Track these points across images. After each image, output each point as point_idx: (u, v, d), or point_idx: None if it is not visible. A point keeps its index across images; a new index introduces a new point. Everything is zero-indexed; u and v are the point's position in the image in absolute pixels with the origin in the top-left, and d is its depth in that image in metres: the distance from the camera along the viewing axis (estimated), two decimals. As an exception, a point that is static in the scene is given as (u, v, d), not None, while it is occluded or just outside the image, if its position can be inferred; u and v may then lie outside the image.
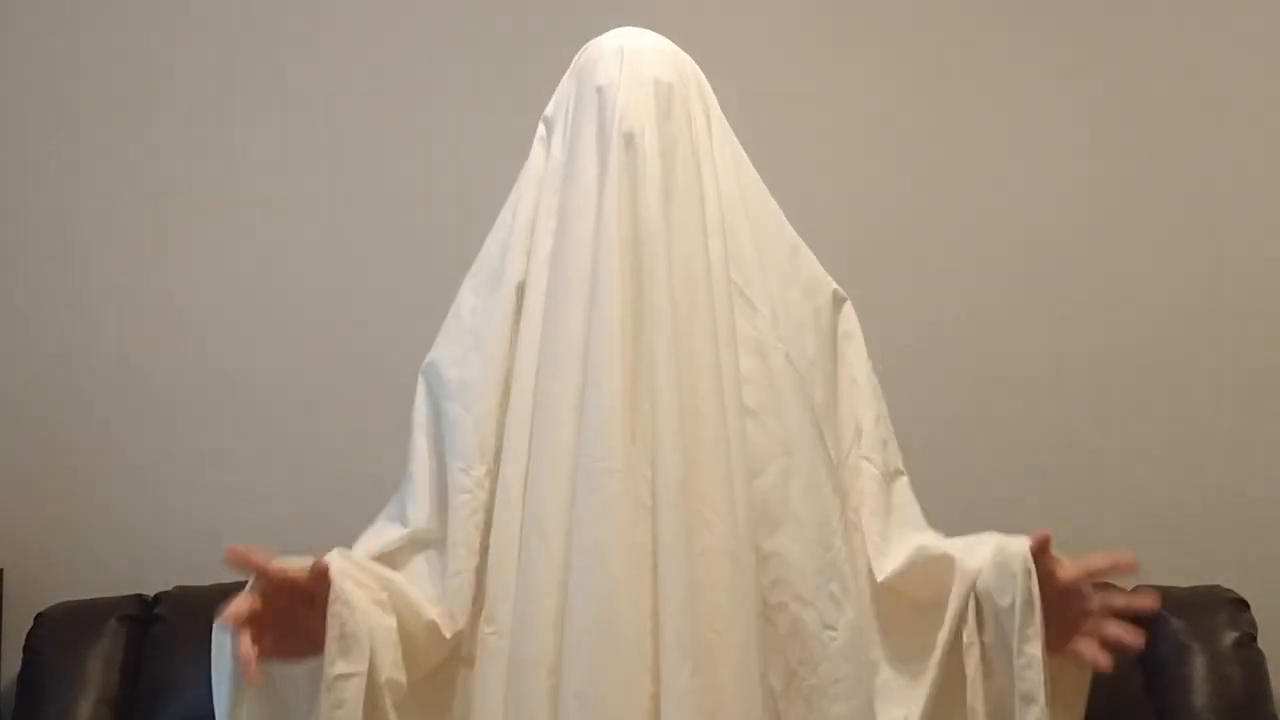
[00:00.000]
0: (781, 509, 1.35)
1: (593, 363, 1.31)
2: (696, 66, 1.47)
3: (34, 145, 2.48)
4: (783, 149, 2.41)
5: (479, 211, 1.57)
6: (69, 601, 2.27)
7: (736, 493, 1.32)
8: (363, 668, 1.25)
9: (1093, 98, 2.48)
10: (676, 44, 1.47)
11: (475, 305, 1.44)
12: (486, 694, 1.32)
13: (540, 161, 1.45)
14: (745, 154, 1.49)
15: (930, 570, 1.39)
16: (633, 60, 1.39)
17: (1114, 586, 2.21)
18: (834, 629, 1.34)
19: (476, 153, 2.44)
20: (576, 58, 1.47)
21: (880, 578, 1.40)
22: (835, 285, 1.50)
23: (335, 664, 1.23)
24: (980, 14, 2.50)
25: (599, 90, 1.39)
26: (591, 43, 1.45)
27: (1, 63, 2.49)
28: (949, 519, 2.42)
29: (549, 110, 1.47)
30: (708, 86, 1.47)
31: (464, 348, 1.42)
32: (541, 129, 1.47)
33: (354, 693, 1.24)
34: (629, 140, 1.35)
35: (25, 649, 2.21)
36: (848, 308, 1.51)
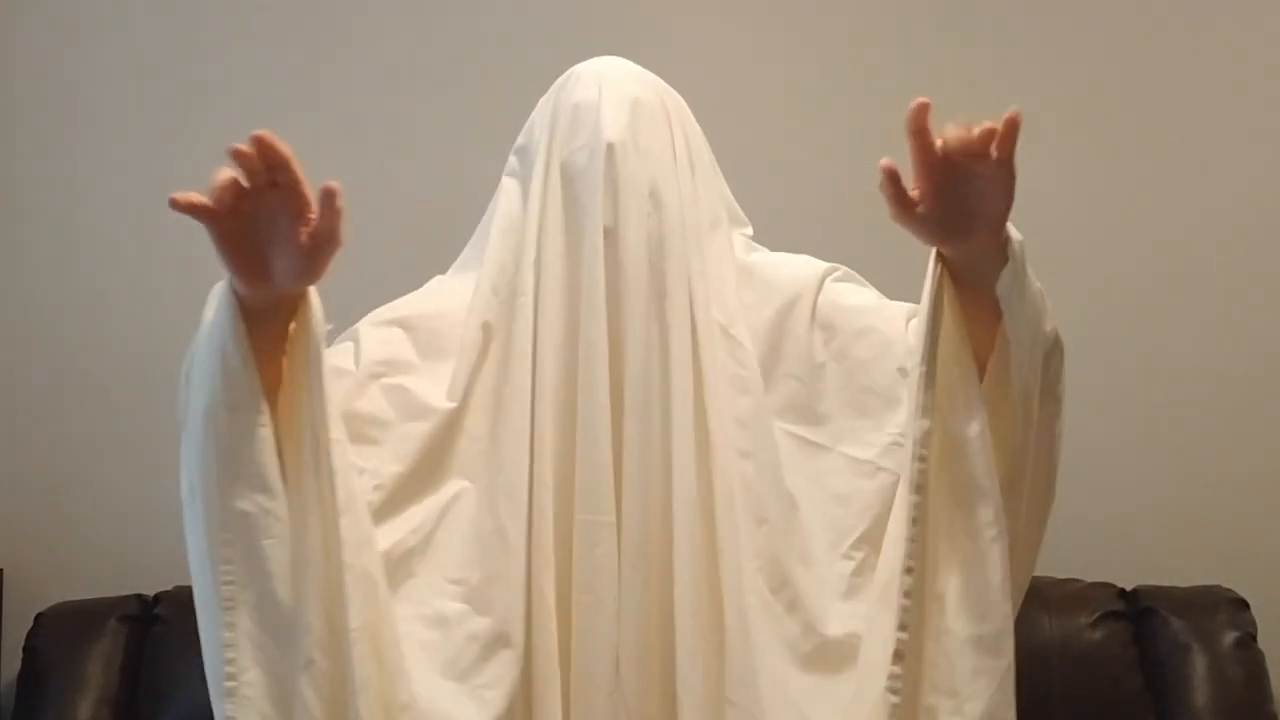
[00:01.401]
0: (789, 556, 1.30)
1: (584, 405, 1.27)
2: (678, 96, 1.43)
3: (14, 148, 2.48)
4: (779, 154, 2.42)
5: (470, 212, 1.57)
6: (69, 601, 2.27)
7: (736, 542, 1.27)
8: (340, 435, 1.19)
9: (1097, 97, 2.48)
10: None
11: (448, 307, 1.39)
12: None
13: (512, 199, 1.40)
14: (728, 188, 1.45)
15: None
16: (612, 81, 1.36)
17: (1112, 586, 2.24)
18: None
19: (469, 151, 2.43)
20: (552, 87, 1.43)
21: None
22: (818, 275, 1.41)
23: (327, 429, 1.17)
24: (985, 13, 2.50)
25: (575, 109, 1.35)
26: (568, 71, 1.42)
27: None
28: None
29: (521, 140, 1.43)
30: (688, 113, 1.43)
31: (420, 338, 1.38)
32: (513, 160, 1.43)
33: (341, 459, 1.18)
34: (610, 150, 1.31)
35: (25, 649, 2.21)
36: (827, 291, 1.40)
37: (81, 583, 2.32)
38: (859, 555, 1.29)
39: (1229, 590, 2.24)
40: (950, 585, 1.20)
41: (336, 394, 1.24)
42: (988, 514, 1.19)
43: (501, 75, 2.43)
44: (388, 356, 1.36)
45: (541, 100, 1.43)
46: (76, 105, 2.48)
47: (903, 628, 1.18)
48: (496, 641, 1.25)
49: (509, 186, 1.41)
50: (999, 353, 1.21)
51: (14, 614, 2.33)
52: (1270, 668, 2.19)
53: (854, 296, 1.40)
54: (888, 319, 1.36)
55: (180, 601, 2.25)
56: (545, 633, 1.24)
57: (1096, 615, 2.19)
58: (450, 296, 1.41)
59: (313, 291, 1.20)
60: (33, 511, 2.42)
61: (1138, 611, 2.22)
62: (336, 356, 1.33)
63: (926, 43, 2.49)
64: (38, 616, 2.24)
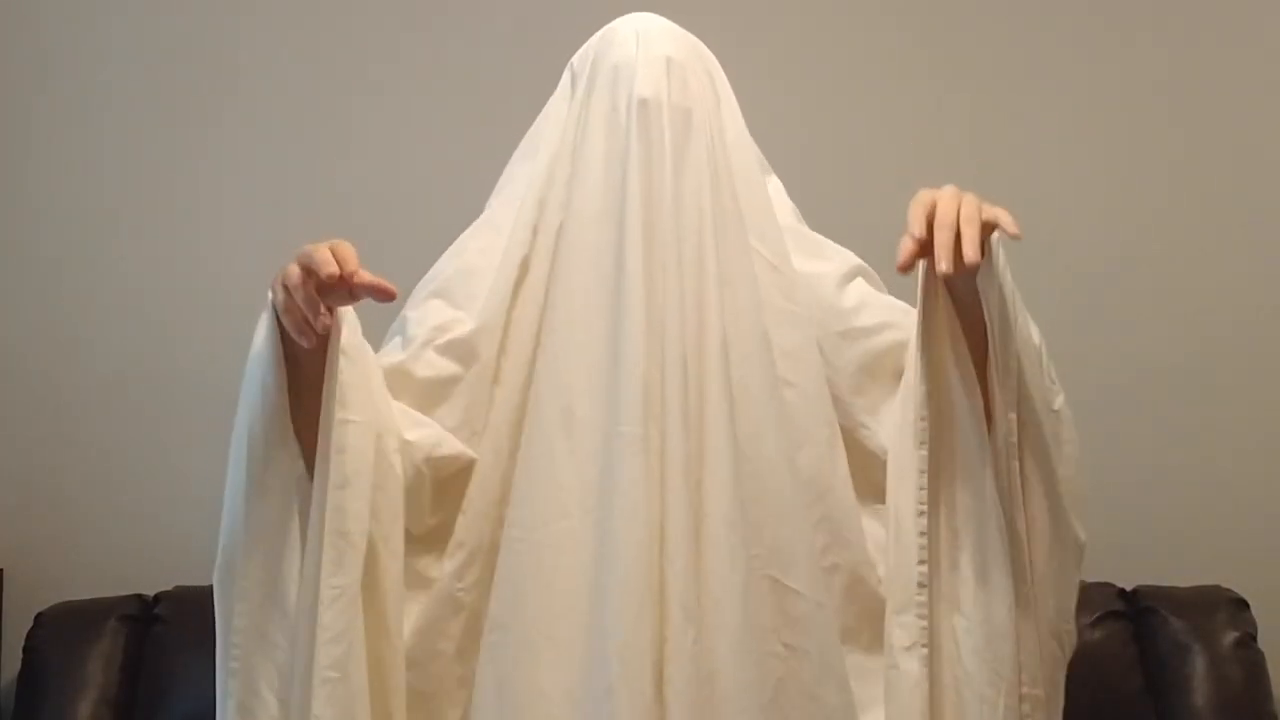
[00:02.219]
0: (830, 478, 1.41)
1: (623, 333, 1.35)
2: (709, 52, 1.52)
3: (20, 147, 2.48)
4: (788, 144, 2.42)
5: (472, 212, 1.57)
6: (69, 601, 2.27)
7: (753, 466, 1.37)
8: (363, 417, 1.30)
9: (1101, 95, 2.48)
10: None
11: (476, 265, 1.48)
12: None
13: (554, 143, 1.48)
14: (753, 139, 1.53)
15: None
16: (647, 40, 1.45)
17: (1112, 586, 2.24)
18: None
19: (470, 152, 2.43)
20: (589, 43, 1.52)
21: None
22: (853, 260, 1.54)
23: (334, 412, 1.28)
24: (990, 7, 2.50)
25: (615, 67, 1.44)
26: (606, 27, 1.51)
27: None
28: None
29: (574, 66, 1.53)
30: (720, 72, 1.52)
31: (458, 301, 1.47)
32: (565, 83, 1.52)
33: (356, 438, 1.29)
34: (644, 105, 1.40)
35: (25, 649, 2.21)
36: (861, 281, 1.53)
37: (81, 583, 2.31)
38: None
39: (1229, 590, 2.24)
40: (964, 528, 1.35)
41: (391, 388, 1.40)
42: (986, 475, 1.34)
43: (504, 77, 2.44)
44: (437, 323, 1.45)
45: (582, 50, 1.53)
46: (87, 104, 2.48)
47: (921, 561, 1.34)
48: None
49: (552, 123, 1.50)
50: (984, 343, 1.34)
51: (14, 614, 2.33)
52: (1270, 668, 2.19)
53: (885, 295, 1.53)
54: (908, 326, 1.43)
55: (180, 601, 2.25)
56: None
57: (1096, 615, 2.19)
58: (474, 254, 1.50)
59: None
60: (33, 511, 2.42)
61: (1138, 611, 2.22)
62: (387, 356, 1.44)
63: (933, 38, 2.49)
64: (38, 616, 2.23)
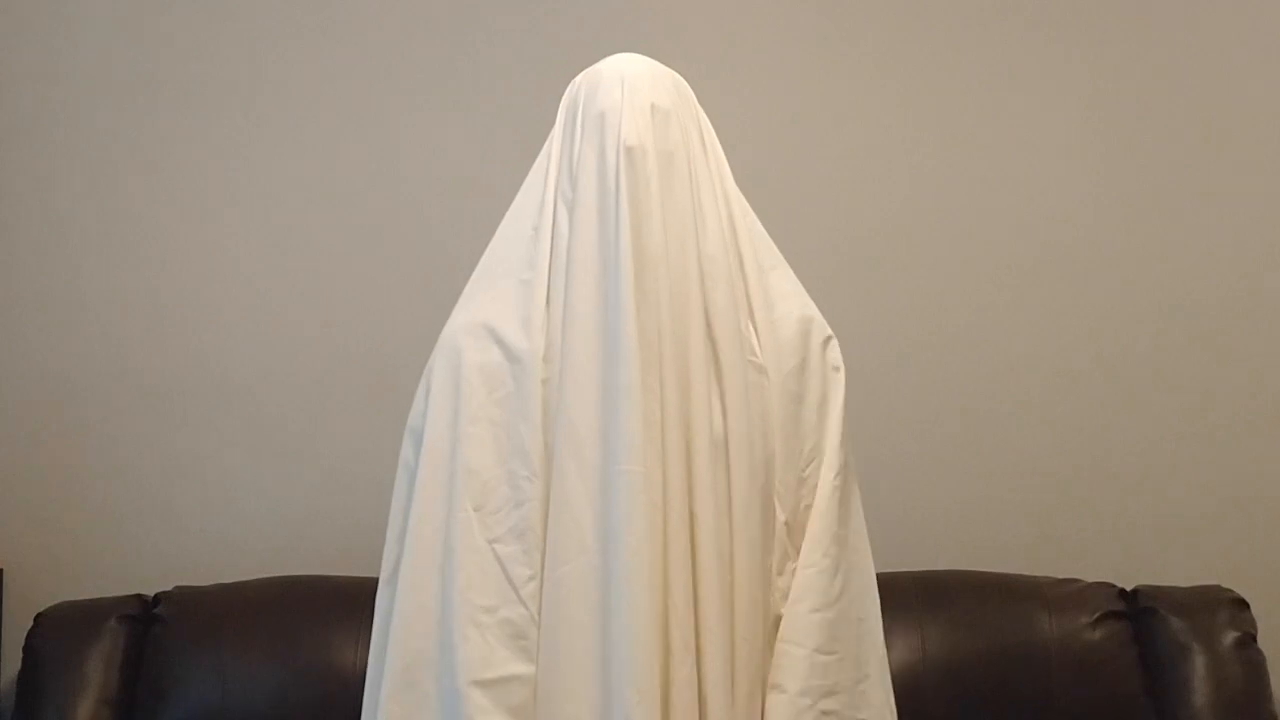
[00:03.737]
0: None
1: (620, 375, 1.39)
2: (691, 91, 1.55)
3: (31, 143, 2.48)
4: (780, 151, 2.42)
5: (478, 211, 1.58)
6: (69, 601, 2.27)
7: (733, 509, 1.43)
8: None
9: (1095, 96, 2.48)
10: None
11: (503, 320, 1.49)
12: None
13: (554, 161, 1.51)
14: (731, 174, 1.56)
15: None
16: (632, 86, 1.48)
17: (1112, 586, 2.24)
18: None
19: (477, 153, 2.44)
20: (578, 83, 1.54)
21: None
22: (816, 314, 1.57)
23: None
24: (979, 11, 2.50)
25: (601, 114, 1.47)
26: (592, 70, 1.54)
27: None
28: (949, 521, 2.43)
29: (564, 101, 1.54)
30: (701, 111, 1.56)
31: (501, 354, 1.48)
32: (560, 114, 1.54)
33: None
34: (630, 154, 1.44)
35: (25, 649, 2.21)
36: (832, 342, 1.57)
37: (81, 583, 2.32)
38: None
39: (1229, 590, 2.24)
40: None
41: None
42: None
43: (518, 77, 2.43)
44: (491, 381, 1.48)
45: (571, 90, 1.54)
46: (67, 105, 2.48)
47: None
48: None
49: (547, 166, 1.52)
50: None
51: (14, 614, 2.33)
52: (1270, 668, 2.19)
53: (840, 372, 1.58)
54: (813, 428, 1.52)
55: (180, 601, 2.25)
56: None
57: (1096, 615, 2.19)
58: (502, 302, 1.51)
59: None
60: (33, 511, 2.42)
61: (1138, 611, 2.22)
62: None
63: (939, 42, 2.49)
64: (38, 616, 2.24)
